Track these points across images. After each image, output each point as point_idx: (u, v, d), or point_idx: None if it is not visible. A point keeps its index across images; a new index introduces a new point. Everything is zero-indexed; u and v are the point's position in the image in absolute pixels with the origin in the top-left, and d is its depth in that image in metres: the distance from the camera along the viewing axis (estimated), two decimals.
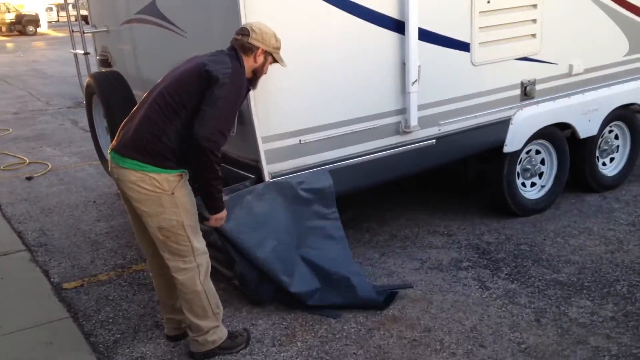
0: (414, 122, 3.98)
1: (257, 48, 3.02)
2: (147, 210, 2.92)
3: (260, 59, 3.05)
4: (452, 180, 5.33)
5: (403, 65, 3.88)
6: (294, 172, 3.67)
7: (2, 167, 7.07)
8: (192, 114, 2.83)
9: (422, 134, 4.10)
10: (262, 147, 3.50)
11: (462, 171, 4.87)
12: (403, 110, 3.98)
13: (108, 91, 4.39)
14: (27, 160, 7.29)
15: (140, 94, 4.73)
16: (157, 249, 3.08)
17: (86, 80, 5.06)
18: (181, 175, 2.94)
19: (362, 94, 3.81)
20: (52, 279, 4.24)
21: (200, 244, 3.08)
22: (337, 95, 3.72)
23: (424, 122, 4.05)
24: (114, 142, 3.00)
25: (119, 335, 3.51)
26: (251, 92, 3.36)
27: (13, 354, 3.35)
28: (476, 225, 4.76)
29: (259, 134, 3.47)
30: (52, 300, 3.94)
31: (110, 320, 3.64)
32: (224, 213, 3.08)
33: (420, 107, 4.00)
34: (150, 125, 2.85)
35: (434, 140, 4.16)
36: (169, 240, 2.97)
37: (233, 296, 3.81)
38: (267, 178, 3.56)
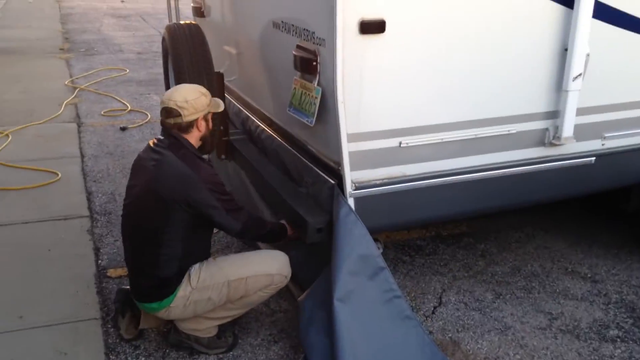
0: (568, 131, 2.87)
1: (196, 119, 2.75)
2: (196, 309, 2.78)
3: (202, 124, 2.79)
4: (607, 204, 4.09)
5: (564, 51, 2.74)
6: (387, 184, 2.72)
7: (102, 112, 6.70)
8: (174, 232, 2.67)
9: (577, 147, 2.98)
10: (346, 148, 2.56)
11: (623, 197, 3.64)
12: (554, 114, 2.87)
13: (178, 46, 3.62)
14: (129, 107, 6.88)
15: (231, 50, 3.98)
16: None
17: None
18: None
19: (496, 87, 2.75)
20: (99, 261, 3.66)
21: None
22: (460, 87, 2.68)
23: (581, 133, 2.93)
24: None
25: (143, 359, 2.82)
26: (339, 75, 2.43)
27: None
28: (633, 272, 3.55)
29: (344, 129, 2.53)
30: (89, 290, 3.33)
31: (144, 336, 2.96)
32: (288, 229, 2.97)
33: (580, 112, 2.86)
34: (144, 268, 2.76)
35: (593, 158, 3.02)
36: (232, 292, 2.79)
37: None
38: (349, 188, 2.63)
